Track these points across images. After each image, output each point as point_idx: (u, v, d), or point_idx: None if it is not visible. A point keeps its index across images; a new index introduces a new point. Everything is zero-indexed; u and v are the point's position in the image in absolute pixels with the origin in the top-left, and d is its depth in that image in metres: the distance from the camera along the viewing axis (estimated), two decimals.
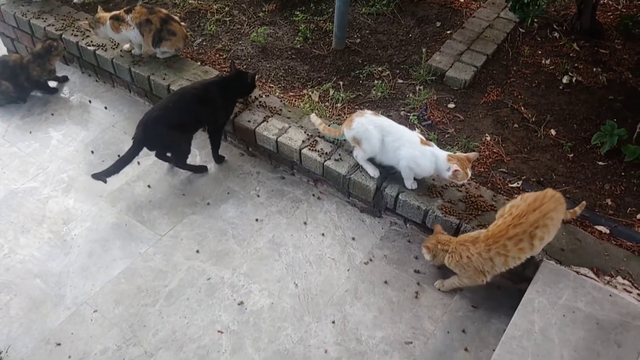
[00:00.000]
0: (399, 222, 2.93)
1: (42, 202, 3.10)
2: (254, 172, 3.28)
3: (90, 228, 2.95)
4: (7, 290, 2.66)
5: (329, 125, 3.02)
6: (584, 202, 2.52)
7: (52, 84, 3.91)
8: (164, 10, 3.52)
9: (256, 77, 3.29)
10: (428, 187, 2.81)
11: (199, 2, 4.41)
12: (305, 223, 2.97)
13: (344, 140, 2.94)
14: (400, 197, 2.78)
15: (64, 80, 3.99)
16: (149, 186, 3.19)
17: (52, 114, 3.71)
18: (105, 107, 3.74)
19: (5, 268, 2.76)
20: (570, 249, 2.53)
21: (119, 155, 3.26)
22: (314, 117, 3.01)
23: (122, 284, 2.68)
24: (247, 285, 2.67)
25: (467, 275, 2.43)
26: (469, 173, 2.59)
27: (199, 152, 3.38)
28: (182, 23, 3.63)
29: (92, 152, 3.40)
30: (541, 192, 2.34)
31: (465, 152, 2.73)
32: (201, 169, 3.27)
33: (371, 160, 2.85)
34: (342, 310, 2.56)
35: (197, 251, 2.83)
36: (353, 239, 2.87)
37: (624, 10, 4.19)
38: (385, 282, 2.66)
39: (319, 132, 3.10)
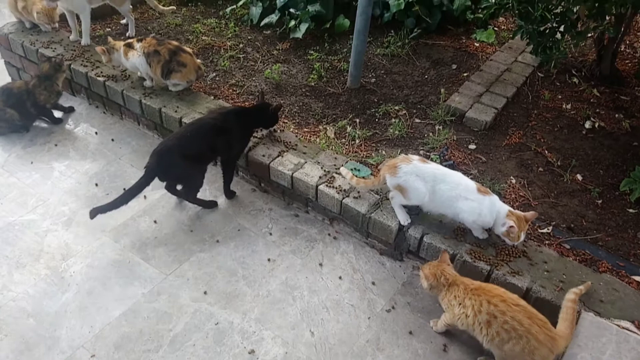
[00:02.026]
0: None
1: (40, 236, 2.91)
2: (266, 208, 3.12)
3: (91, 265, 2.75)
4: None
5: (353, 172, 2.85)
6: (589, 283, 2.36)
7: (58, 114, 3.79)
8: (174, 42, 3.45)
9: (280, 109, 3.18)
10: (454, 229, 2.65)
11: (212, 38, 4.37)
12: (320, 264, 2.78)
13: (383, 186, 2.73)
14: (424, 239, 2.62)
15: (70, 110, 3.87)
16: (155, 221, 3.01)
17: (56, 145, 3.56)
18: (112, 140, 3.61)
19: None
20: (609, 300, 2.35)
21: (124, 189, 3.11)
22: (344, 170, 2.80)
23: (123, 327, 2.46)
24: (258, 332, 2.46)
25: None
26: (523, 237, 2.41)
27: (208, 186, 3.22)
28: (193, 54, 3.56)
29: (97, 184, 3.24)
30: None
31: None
32: (211, 204, 3.10)
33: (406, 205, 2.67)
34: None
35: (205, 292, 2.63)
36: (373, 283, 2.68)
37: None
38: (410, 332, 2.45)
39: (337, 169, 2.96)
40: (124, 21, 4.46)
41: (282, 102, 3.61)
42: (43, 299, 2.58)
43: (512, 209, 2.43)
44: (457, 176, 2.51)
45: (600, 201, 2.95)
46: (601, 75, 3.85)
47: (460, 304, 2.19)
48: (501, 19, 4.75)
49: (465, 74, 3.98)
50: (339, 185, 2.89)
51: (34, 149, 3.52)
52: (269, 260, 2.80)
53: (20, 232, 2.92)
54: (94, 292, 2.61)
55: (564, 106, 3.66)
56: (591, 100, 3.73)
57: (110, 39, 3.57)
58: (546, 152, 3.27)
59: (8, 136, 3.61)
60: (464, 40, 4.42)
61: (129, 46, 3.43)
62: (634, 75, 3.94)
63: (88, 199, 3.13)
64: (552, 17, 3.17)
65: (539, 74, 3.94)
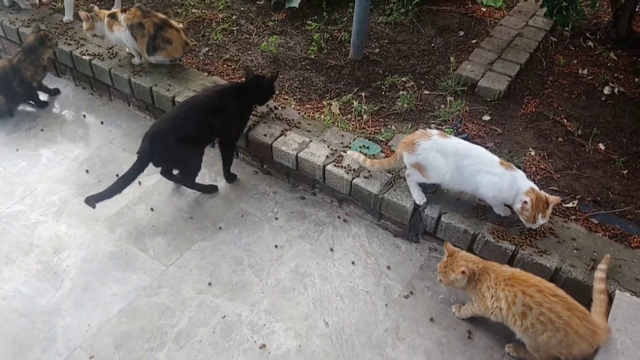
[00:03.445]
0: (440, 248, 2.57)
1: (30, 228, 2.71)
2: (270, 191, 2.93)
3: (85, 258, 2.56)
4: None
5: (362, 150, 2.65)
6: (607, 256, 2.17)
7: (43, 97, 3.55)
8: (160, 15, 3.19)
9: (276, 79, 2.95)
10: (474, 207, 2.47)
11: (203, 11, 4.11)
12: (331, 249, 2.60)
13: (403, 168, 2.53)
14: (442, 219, 2.44)
15: (55, 93, 3.62)
16: (152, 209, 2.81)
17: (42, 130, 3.33)
18: (102, 122, 3.38)
19: None
20: None
21: (117, 175, 2.92)
22: (354, 153, 2.60)
23: (123, 324, 2.29)
24: (269, 324, 2.29)
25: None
26: (540, 220, 2.21)
27: (207, 170, 3.02)
28: (181, 27, 3.31)
29: (87, 171, 3.03)
30: None
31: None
32: (211, 189, 2.91)
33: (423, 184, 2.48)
34: (383, 353, 2.17)
35: (210, 284, 2.45)
36: (388, 267, 2.51)
37: None
38: (431, 319, 2.29)
39: (345, 148, 2.77)
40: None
41: (277, 70, 3.37)
42: (35, 296, 2.39)
43: (535, 187, 2.23)
44: (480, 150, 2.32)
45: (625, 171, 2.77)
46: (617, 38, 3.63)
47: (492, 296, 2.00)
48: None
49: (474, 41, 3.75)
50: (348, 165, 2.69)
51: (19, 135, 3.29)
52: (276, 246, 2.62)
53: (7, 224, 2.72)
54: (90, 287, 2.43)
55: (580, 71, 3.45)
56: (608, 64, 3.52)
57: (95, 7, 3.32)
58: (565, 121, 3.07)
59: None
60: (470, 5, 4.18)
61: (113, 17, 3.18)
62: None
63: (79, 187, 2.93)
64: None
65: (552, 38, 3.72)
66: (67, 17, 3.80)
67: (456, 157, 2.28)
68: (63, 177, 3.00)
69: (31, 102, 3.49)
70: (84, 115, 3.44)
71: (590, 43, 3.67)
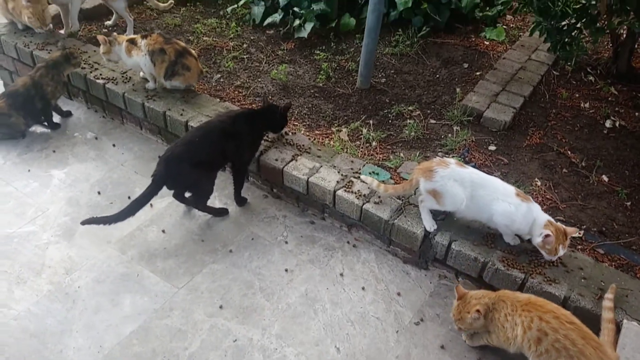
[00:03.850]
0: (449, 275, 2.61)
1: (41, 249, 2.72)
2: (280, 215, 2.96)
3: (97, 279, 2.58)
4: None
5: (372, 176, 2.71)
6: (613, 286, 2.22)
7: (55, 118, 3.60)
8: (181, 43, 3.29)
9: (289, 110, 3.01)
10: (484, 235, 2.52)
11: (214, 39, 4.21)
12: (341, 274, 2.63)
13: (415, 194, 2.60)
14: (453, 246, 2.48)
15: (67, 115, 3.68)
16: (163, 231, 2.84)
17: (54, 151, 3.37)
18: (114, 145, 3.43)
19: None
20: None
21: (129, 197, 2.96)
22: (367, 178, 2.66)
23: (135, 346, 2.29)
24: (280, 349, 2.30)
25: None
26: (561, 252, 2.25)
27: (218, 193, 3.06)
28: (197, 57, 3.40)
29: (99, 192, 3.06)
30: None
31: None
32: (222, 212, 2.94)
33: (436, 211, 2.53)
34: None
35: (221, 307, 2.46)
36: (398, 294, 2.54)
37: None
38: (442, 346, 2.31)
39: (355, 174, 2.82)
40: (109, 22, 4.28)
41: (290, 101, 3.45)
42: (47, 317, 2.40)
43: (552, 220, 2.28)
44: (496, 181, 2.38)
45: (629, 203, 2.84)
46: (618, 73, 3.75)
47: (511, 325, 2.01)
48: (509, 17, 4.65)
49: (477, 73, 3.86)
50: (358, 190, 2.74)
51: (30, 156, 3.33)
52: (286, 270, 2.65)
53: (19, 245, 2.74)
54: (101, 308, 2.44)
55: (582, 105, 3.55)
56: (609, 98, 3.62)
57: (115, 33, 3.41)
58: (569, 152, 3.15)
59: (3, 143, 3.42)
60: (473, 39, 4.30)
61: (133, 43, 3.25)
62: None
63: (91, 209, 2.95)
64: (572, 12, 3.06)
65: (554, 72, 3.83)
66: (73, 27, 3.96)
67: (472, 186, 2.34)
68: (75, 198, 3.03)
69: (44, 123, 3.53)
70: (96, 138, 3.48)
71: (592, 78, 3.78)
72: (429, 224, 2.51)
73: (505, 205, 2.29)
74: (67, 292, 2.51)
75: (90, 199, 3.02)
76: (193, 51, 3.34)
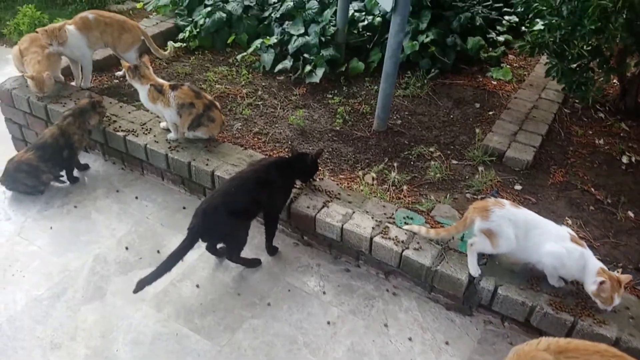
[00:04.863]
0: (495, 320, 2.59)
1: (73, 311, 2.63)
2: (314, 264, 2.93)
3: (135, 341, 2.49)
4: None
5: (407, 221, 2.73)
6: None
7: (75, 172, 3.54)
8: (209, 96, 3.31)
9: (320, 156, 3.03)
10: (528, 278, 2.51)
11: (227, 86, 4.23)
12: (385, 325, 2.59)
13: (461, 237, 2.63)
14: (499, 291, 2.47)
15: (85, 168, 3.62)
16: (197, 286, 2.78)
17: (75, 207, 3.30)
18: (136, 197, 3.37)
19: None
20: None
21: (158, 251, 2.91)
22: (414, 227, 2.70)
23: None
24: None
25: None
26: (616, 300, 2.23)
27: (247, 244, 3.00)
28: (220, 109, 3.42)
29: (127, 248, 2.99)
30: None
31: None
32: (255, 263, 2.90)
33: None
34: None
35: None
36: (447, 343, 2.50)
37: None
38: None
39: (388, 219, 2.82)
40: (119, 73, 4.28)
41: (322, 148, 3.47)
42: None
43: (604, 267, 2.29)
44: (548, 222, 2.41)
45: None
46: (626, 110, 3.87)
47: None
48: (511, 56, 4.79)
49: (490, 113, 3.94)
50: (396, 236, 2.73)
51: (52, 212, 3.25)
52: (328, 323, 2.60)
53: (49, 307, 2.65)
54: None
55: (597, 141, 3.63)
56: (621, 134, 3.72)
57: (146, 64, 3.38)
58: (592, 189, 3.21)
59: (20, 199, 3.34)
60: (480, 79, 4.40)
61: (159, 91, 3.21)
62: None
63: (120, 265, 2.88)
64: (587, 54, 3.17)
65: (565, 110, 3.93)
66: (85, 84, 3.95)
67: (526, 227, 2.36)
68: (102, 255, 2.95)
69: (60, 178, 3.47)
70: (117, 191, 3.43)
71: (602, 114, 3.89)
72: (474, 270, 2.50)
73: (556, 247, 2.30)
74: (106, 356, 2.42)
75: (118, 255, 2.95)
76: (218, 103, 3.35)
